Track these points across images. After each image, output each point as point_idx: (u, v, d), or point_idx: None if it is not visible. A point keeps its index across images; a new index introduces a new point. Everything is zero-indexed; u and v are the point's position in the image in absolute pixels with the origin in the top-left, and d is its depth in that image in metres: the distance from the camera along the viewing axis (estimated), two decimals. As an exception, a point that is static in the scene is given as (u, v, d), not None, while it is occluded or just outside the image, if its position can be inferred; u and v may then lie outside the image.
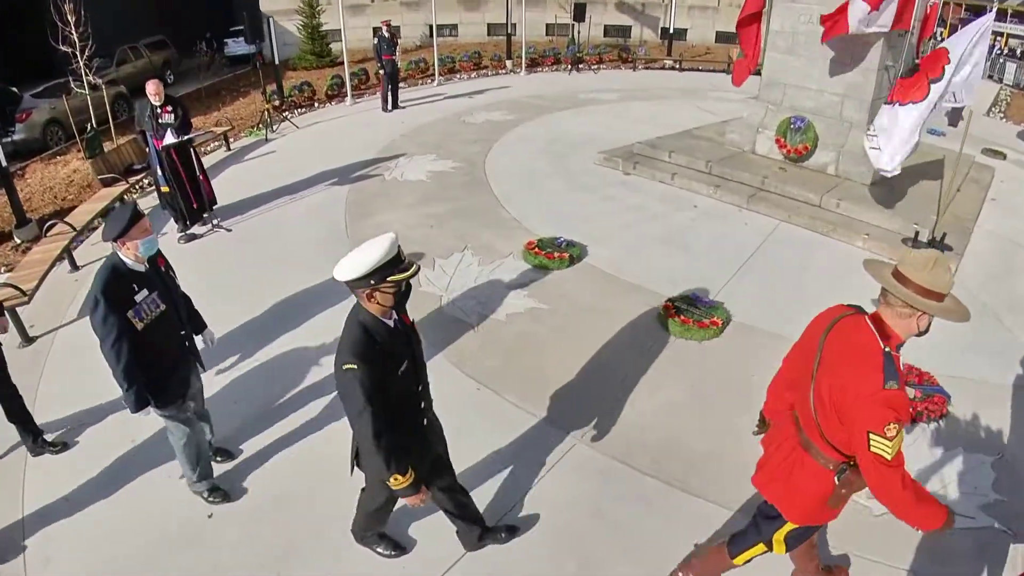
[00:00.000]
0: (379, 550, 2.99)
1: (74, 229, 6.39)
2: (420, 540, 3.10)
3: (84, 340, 4.76)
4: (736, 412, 3.98)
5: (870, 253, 6.16)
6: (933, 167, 8.32)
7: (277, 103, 12.51)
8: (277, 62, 13.37)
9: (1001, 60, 24.06)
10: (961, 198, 7.63)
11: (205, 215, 6.75)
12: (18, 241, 6.81)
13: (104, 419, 3.92)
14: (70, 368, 4.53)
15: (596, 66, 17.36)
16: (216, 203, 6.91)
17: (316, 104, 13.37)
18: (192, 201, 6.57)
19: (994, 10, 6.02)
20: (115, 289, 2.80)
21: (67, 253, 6.04)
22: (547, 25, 22.32)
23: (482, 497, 3.27)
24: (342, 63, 18.38)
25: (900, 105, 5.66)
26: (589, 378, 4.26)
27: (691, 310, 4.76)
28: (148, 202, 7.54)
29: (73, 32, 9.10)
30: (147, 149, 6.74)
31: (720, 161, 7.77)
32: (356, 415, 2.24)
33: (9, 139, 10.43)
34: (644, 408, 4.02)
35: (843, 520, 3.28)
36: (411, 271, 2.22)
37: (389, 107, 11.95)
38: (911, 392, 4.16)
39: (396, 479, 2.34)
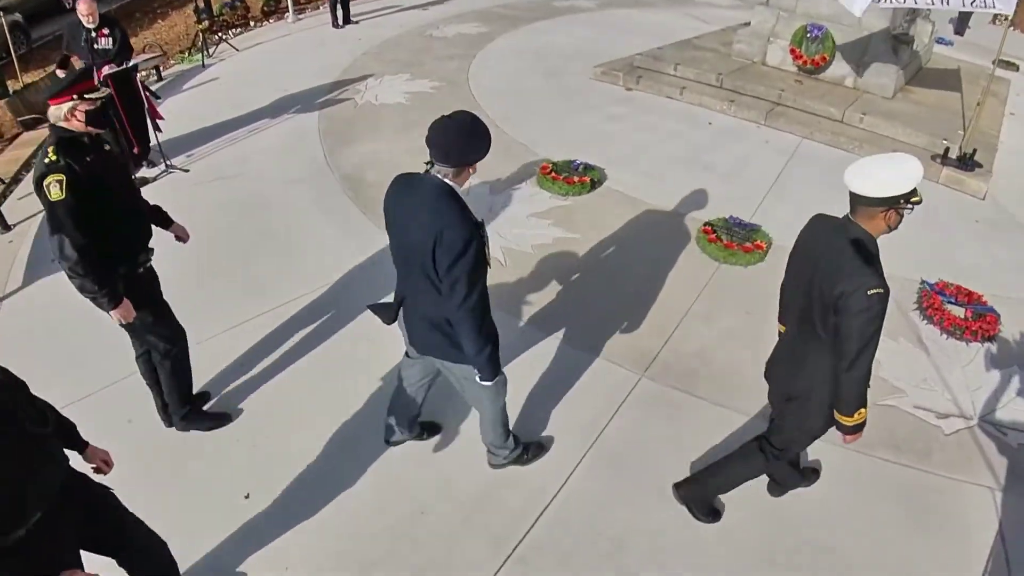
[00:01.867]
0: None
1: (2, 182, 5.90)
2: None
3: (36, 312, 4.48)
4: None
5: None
6: (950, 78, 8.42)
7: (207, 23, 11.59)
8: None
9: None
10: (984, 113, 7.76)
11: (149, 155, 6.23)
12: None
13: (82, 399, 3.62)
14: (29, 345, 4.15)
15: None
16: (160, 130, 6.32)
17: (252, 23, 12.42)
18: (134, 144, 6.02)
19: None
20: (471, 223, 2.32)
21: (-5, 210, 5.54)
22: (503, -75, 21.17)
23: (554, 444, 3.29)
24: None
25: None
26: (638, 310, 4.21)
27: (732, 233, 4.73)
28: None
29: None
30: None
31: (731, 74, 7.64)
32: (864, 347, 2.19)
33: None
34: (701, 338, 4.03)
35: (918, 440, 3.45)
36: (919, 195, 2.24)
37: (340, 22, 11.24)
38: (961, 312, 4.28)
39: (861, 413, 2.34)
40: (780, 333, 2.75)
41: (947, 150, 6.21)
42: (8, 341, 4.15)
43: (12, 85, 9.70)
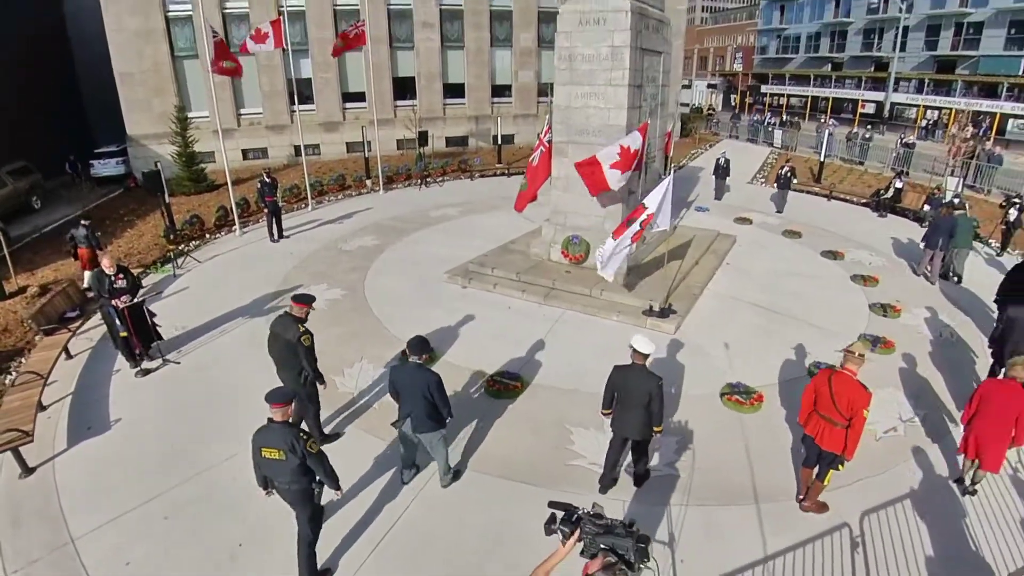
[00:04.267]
0: None
1: (40, 376, 7.38)
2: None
3: (80, 464, 6.22)
4: (537, 434, 6.69)
5: (621, 324, 9.08)
6: (681, 248, 11.55)
7: (171, 237, 13.42)
8: (168, 199, 13.98)
9: (770, 128, 30.84)
10: (698, 269, 11.01)
11: (151, 349, 8.21)
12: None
13: (135, 509, 5.68)
14: (79, 488, 5.94)
15: (441, 178, 20.18)
16: (162, 338, 8.42)
17: (207, 235, 14.25)
18: (137, 346, 8.11)
19: (671, 175, 9.13)
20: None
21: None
22: (397, 140, 25.48)
23: (422, 513, 5.71)
24: (219, 186, 19.07)
25: (613, 240, 8.79)
26: (459, 431, 6.70)
27: (504, 381, 7.58)
28: (83, 344, 8.84)
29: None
30: (106, 310, 8.17)
31: (527, 270, 10.68)
32: (662, 403, 5.33)
33: None
34: (494, 444, 6.58)
35: (585, 481, 5.91)
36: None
37: (275, 237, 13.55)
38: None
39: (662, 427, 5.60)
40: (607, 414, 5.70)
41: (651, 306, 9.26)
42: (64, 487, 6.00)
43: (8, 286, 11.19)
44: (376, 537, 5.40)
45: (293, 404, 4.72)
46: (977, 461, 5.67)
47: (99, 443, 6.72)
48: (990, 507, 5.69)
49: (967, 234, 11.45)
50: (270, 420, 4.54)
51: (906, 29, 38.79)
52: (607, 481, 5.85)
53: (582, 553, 3.01)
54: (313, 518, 4.81)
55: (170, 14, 22.16)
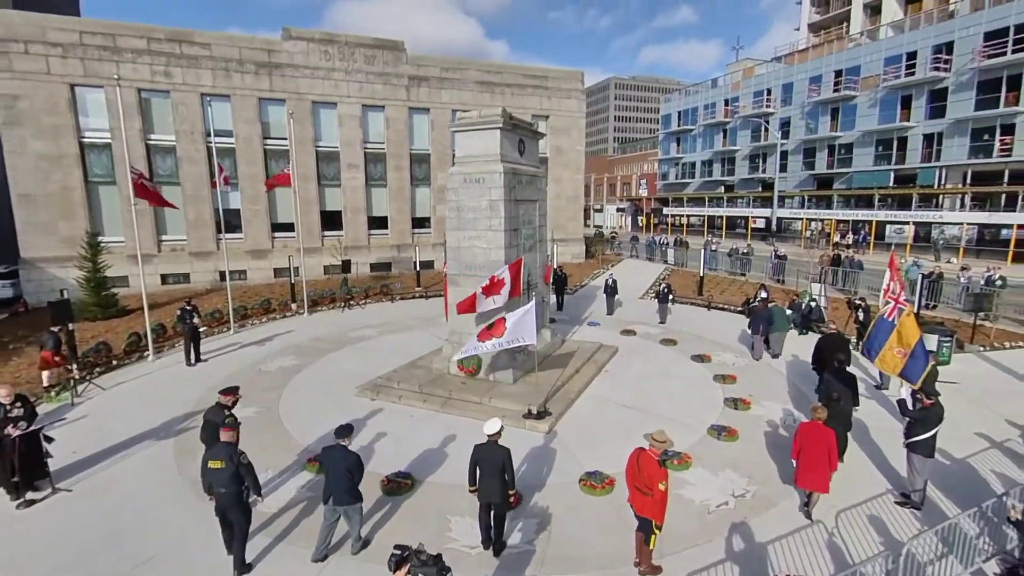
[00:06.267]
0: None
1: None
2: None
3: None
4: (421, 523, 7.32)
5: (507, 426, 9.99)
6: (565, 359, 12.97)
7: (73, 366, 12.40)
8: (72, 328, 13.26)
9: (664, 248, 34.06)
10: (578, 376, 12.27)
11: (37, 482, 7.80)
12: None
13: None
14: None
15: (364, 301, 21.09)
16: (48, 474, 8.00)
17: (115, 362, 13.61)
18: (16, 473, 7.64)
19: (533, 299, 10.85)
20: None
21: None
22: (324, 267, 26.69)
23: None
24: (131, 311, 18.62)
25: (479, 341, 10.18)
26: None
27: (397, 480, 8.25)
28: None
29: None
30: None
31: (428, 383, 11.71)
32: (513, 472, 6.78)
33: None
34: (384, 535, 7.13)
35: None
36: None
37: (192, 361, 13.61)
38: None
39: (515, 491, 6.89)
40: (473, 491, 6.68)
41: (529, 411, 10.27)
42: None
43: None
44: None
45: (236, 432, 6.69)
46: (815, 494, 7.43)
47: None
48: (795, 561, 6.74)
49: (782, 320, 14.62)
50: (219, 442, 6.44)
51: (785, 153, 45.21)
52: (487, 543, 6.83)
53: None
54: (245, 516, 6.46)
55: (85, 140, 22.67)
